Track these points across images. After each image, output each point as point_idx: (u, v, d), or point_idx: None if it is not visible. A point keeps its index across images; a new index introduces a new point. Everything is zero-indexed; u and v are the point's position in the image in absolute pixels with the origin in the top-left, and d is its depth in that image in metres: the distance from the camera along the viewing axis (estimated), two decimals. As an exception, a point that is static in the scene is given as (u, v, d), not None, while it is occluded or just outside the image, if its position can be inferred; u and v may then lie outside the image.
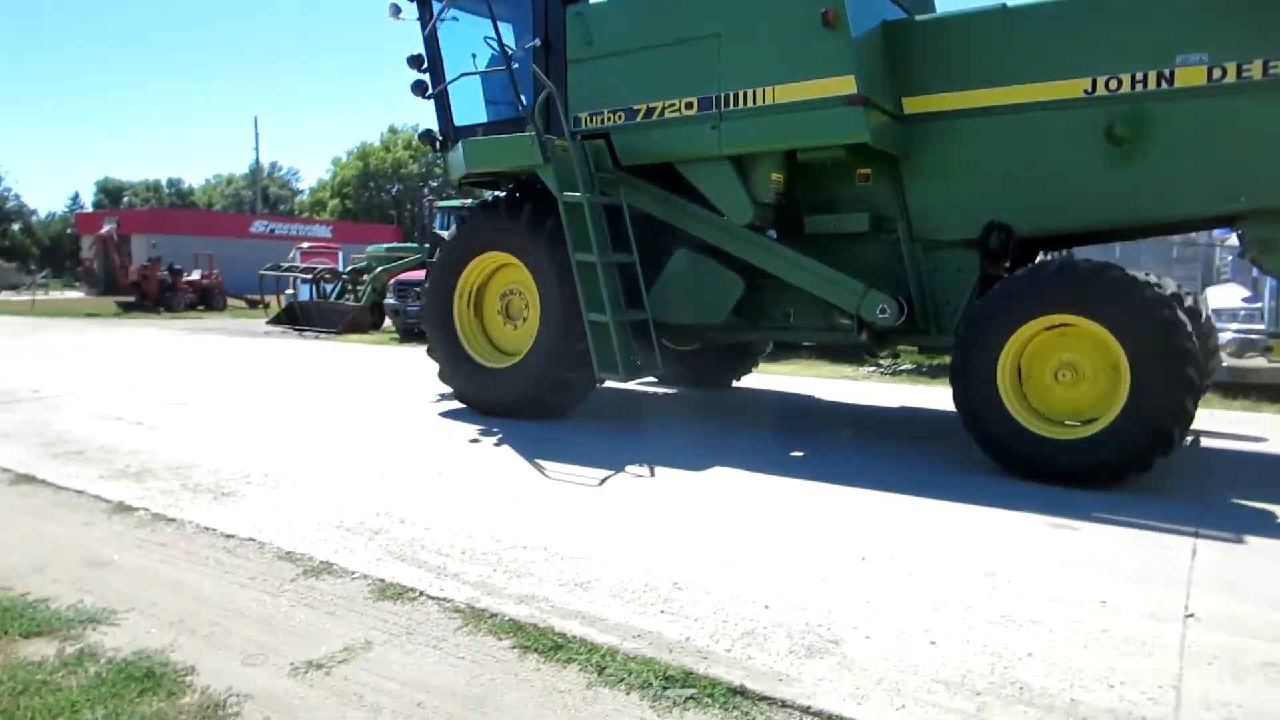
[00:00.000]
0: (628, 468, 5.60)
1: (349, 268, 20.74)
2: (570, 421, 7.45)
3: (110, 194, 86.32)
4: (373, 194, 70.91)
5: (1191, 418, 5.18)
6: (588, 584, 3.44)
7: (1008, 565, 3.79)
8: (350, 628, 3.04)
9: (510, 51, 7.16)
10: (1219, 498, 5.19)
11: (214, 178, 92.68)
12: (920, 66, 6.40)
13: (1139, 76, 5.66)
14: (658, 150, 7.00)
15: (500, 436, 6.57)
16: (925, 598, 3.37)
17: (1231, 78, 5.39)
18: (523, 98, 7.11)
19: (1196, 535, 4.33)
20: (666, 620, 3.11)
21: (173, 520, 4.25)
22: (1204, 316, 7.12)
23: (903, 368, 13.21)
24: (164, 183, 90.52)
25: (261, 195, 72.58)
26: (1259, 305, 11.39)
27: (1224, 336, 10.23)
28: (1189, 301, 7.01)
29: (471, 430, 6.83)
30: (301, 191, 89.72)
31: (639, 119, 7.01)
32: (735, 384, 9.93)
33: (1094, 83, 5.81)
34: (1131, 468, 5.20)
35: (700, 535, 4.15)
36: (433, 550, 3.82)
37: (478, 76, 7.80)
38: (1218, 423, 7.78)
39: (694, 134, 6.75)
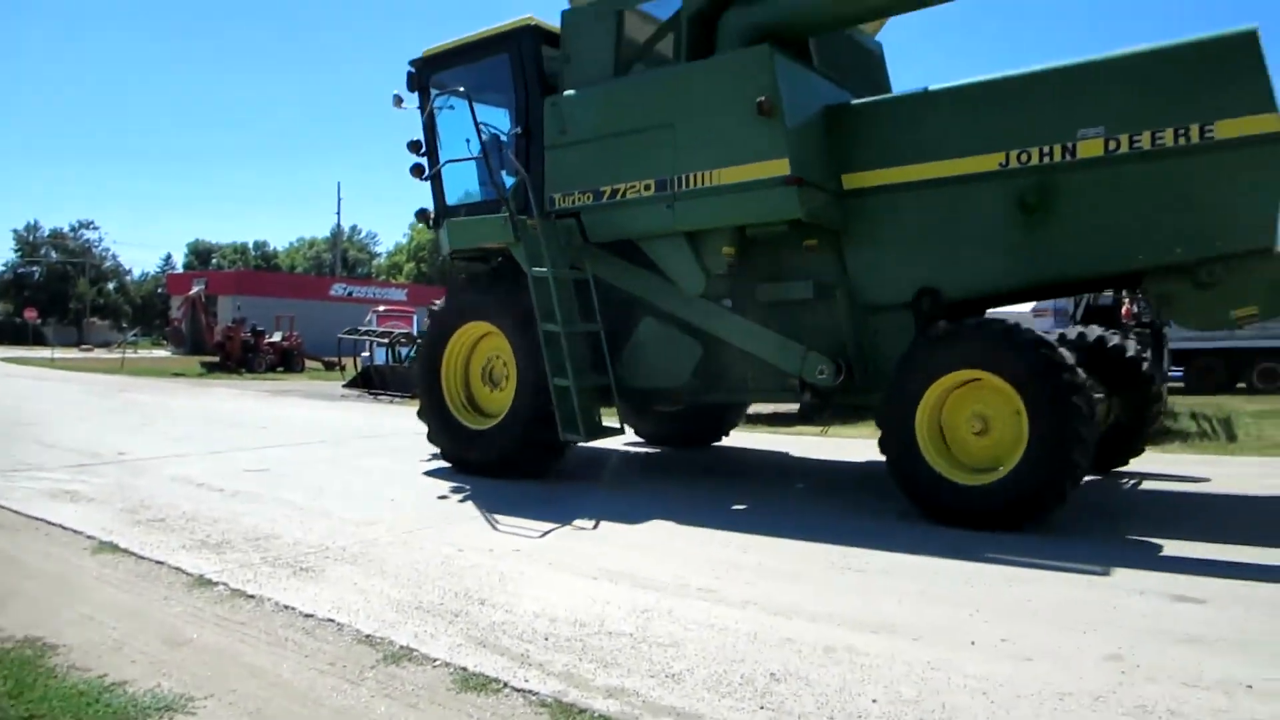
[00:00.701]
0: (689, 542, 5.50)
1: (423, 331, 20.99)
2: (617, 490, 7.71)
3: (200, 255, 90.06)
4: (446, 258, 72.46)
5: (1081, 470, 5.65)
6: (679, 675, 3.23)
7: (1132, 646, 3.50)
8: (432, 723, 2.87)
9: (500, 138, 8.06)
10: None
11: (297, 240, 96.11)
12: (856, 146, 6.96)
13: (1046, 150, 6.21)
14: (621, 228, 7.55)
15: (562, 507, 6.46)
16: (1048, 687, 3.09)
17: (1125, 148, 5.94)
18: (500, 181, 7.89)
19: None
20: (768, 717, 2.88)
21: (252, 597, 4.17)
22: (1143, 367, 7.81)
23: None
24: (250, 245, 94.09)
25: (341, 258, 74.77)
26: None
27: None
28: (1129, 352, 7.81)
29: (539, 500, 6.78)
30: (379, 255, 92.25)
31: (605, 199, 7.55)
32: (716, 443, 10.53)
33: (1007, 156, 6.35)
34: (1027, 514, 5.64)
35: (789, 618, 3.92)
36: (514, 635, 3.65)
37: (471, 160, 8.31)
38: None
39: (652, 213, 7.28)
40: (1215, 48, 5.75)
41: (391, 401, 16.97)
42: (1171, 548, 5.18)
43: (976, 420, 5.98)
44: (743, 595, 4.26)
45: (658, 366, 7.79)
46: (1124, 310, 11.81)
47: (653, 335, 7.79)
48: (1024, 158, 6.30)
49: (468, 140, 8.07)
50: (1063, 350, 5.77)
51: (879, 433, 6.32)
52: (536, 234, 7.43)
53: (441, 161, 8.63)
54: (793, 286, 7.23)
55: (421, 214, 9.18)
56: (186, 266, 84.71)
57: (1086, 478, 6.86)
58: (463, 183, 8.74)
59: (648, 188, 7.30)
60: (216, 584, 4.37)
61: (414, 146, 8.53)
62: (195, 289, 43.72)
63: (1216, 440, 10.79)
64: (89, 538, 5.31)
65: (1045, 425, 5.56)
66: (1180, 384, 19.14)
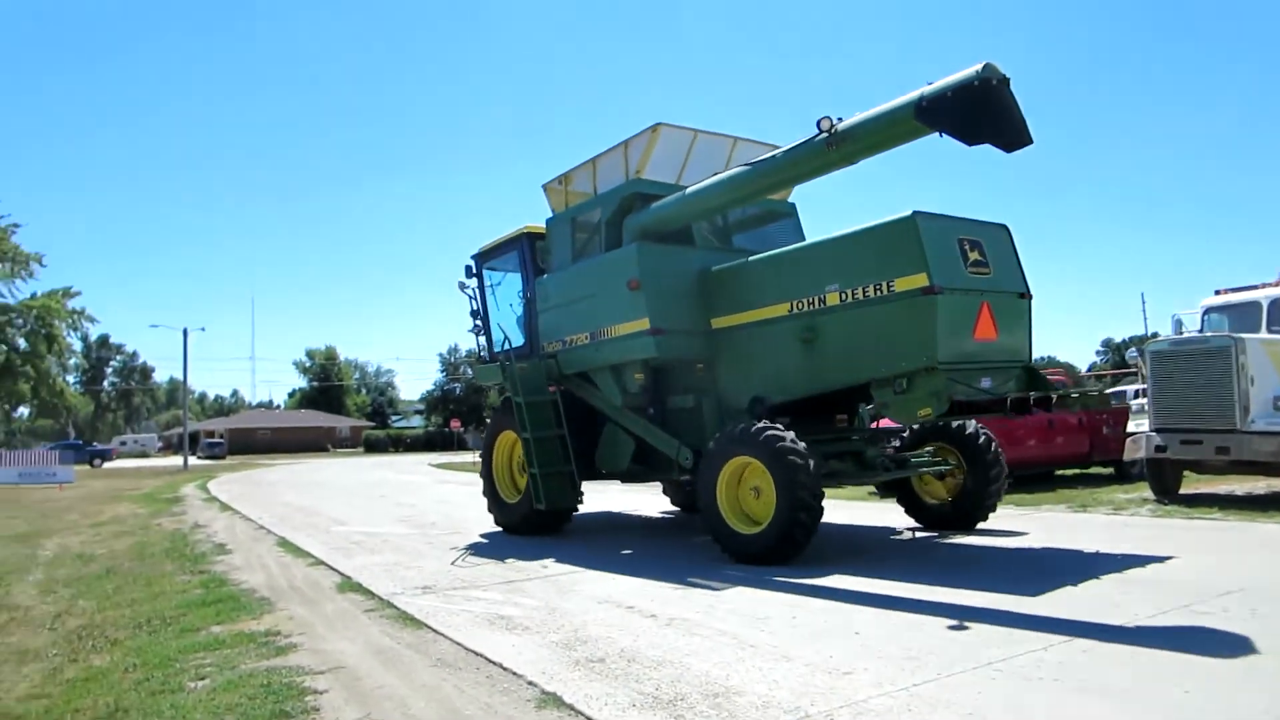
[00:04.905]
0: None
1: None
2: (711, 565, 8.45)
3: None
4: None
5: (806, 526, 7.97)
6: None
7: None
8: None
9: (522, 301, 12.32)
10: None
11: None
12: (715, 298, 9.96)
13: (812, 299, 8.84)
14: (575, 364, 11.02)
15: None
16: None
17: (850, 298, 8.49)
18: (500, 339, 12.40)
19: None
20: None
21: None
22: (981, 440, 9.92)
23: None
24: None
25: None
26: None
27: None
28: (975, 432, 9.98)
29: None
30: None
31: (567, 346, 11.07)
32: None
33: (792, 305, 9.05)
34: (780, 554, 8.04)
35: None
36: None
37: (511, 320, 12.71)
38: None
39: (590, 354, 10.70)
40: (892, 228, 8.12)
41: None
42: None
43: (753, 490, 8.41)
44: None
45: (611, 456, 10.99)
46: None
47: (608, 435, 11.03)
48: (800, 305, 8.93)
49: (510, 305, 12.67)
50: (791, 437, 8.01)
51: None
52: (513, 373, 10.98)
53: (482, 325, 12.89)
54: (684, 398, 10.38)
55: (476, 359, 13.68)
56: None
57: (951, 532, 9.89)
58: (510, 335, 12.53)
59: (586, 337, 10.69)
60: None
61: (473, 314, 12.88)
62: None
63: None
64: (530, 684, 4.75)
65: (783, 493, 7.88)
66: None
